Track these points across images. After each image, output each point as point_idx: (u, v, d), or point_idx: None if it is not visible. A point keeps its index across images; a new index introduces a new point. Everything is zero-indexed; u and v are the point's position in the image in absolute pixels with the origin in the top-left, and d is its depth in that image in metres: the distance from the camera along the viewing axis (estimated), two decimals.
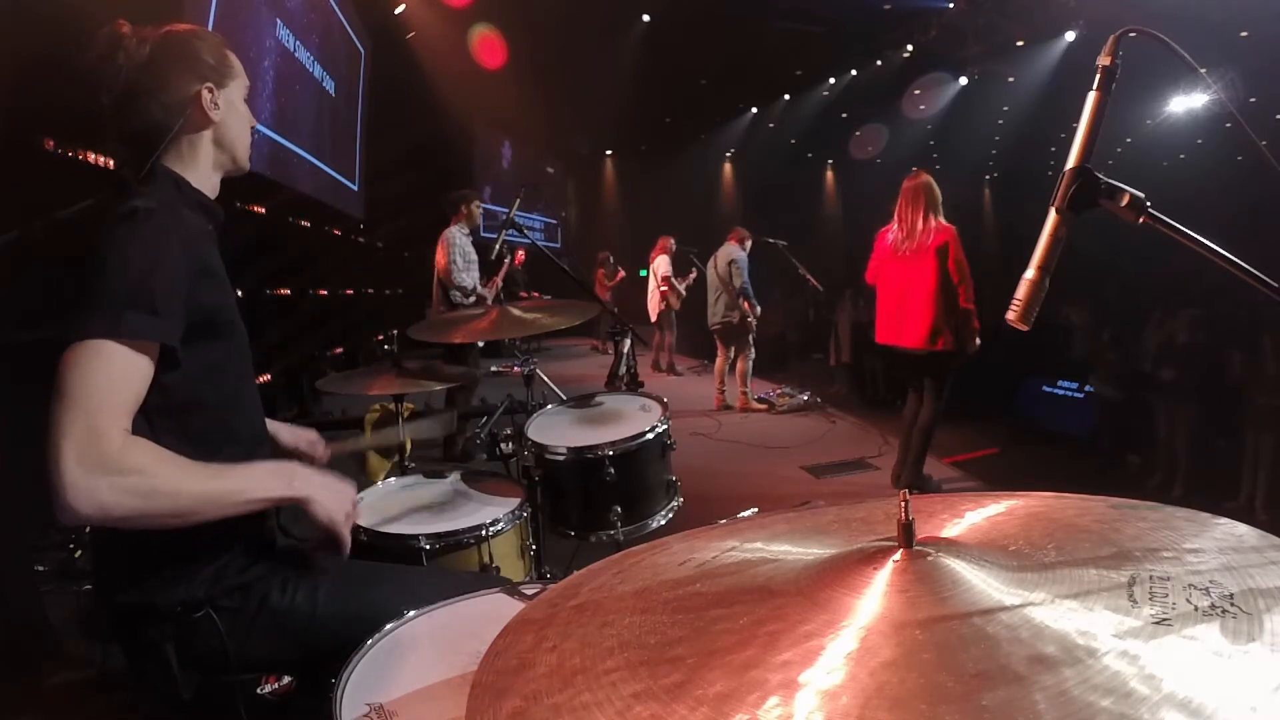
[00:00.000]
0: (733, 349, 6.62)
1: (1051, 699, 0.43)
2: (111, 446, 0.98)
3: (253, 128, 1.35)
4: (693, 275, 8.69)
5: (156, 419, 1.10)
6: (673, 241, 8.44)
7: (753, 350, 6.61)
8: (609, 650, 0.55)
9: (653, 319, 8.49)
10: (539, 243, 4.63)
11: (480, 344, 4.64)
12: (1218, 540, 0.60)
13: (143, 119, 1.20)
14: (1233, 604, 0.50)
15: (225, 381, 1.21)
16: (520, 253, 10.24)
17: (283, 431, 1.54)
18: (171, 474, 1.02)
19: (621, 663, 0.53)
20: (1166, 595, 0.52)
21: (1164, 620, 0.49)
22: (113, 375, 1.00)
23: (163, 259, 1.08)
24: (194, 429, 1.15)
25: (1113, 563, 0.57)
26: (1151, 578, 0.54)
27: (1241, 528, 0.61)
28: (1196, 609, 0.50)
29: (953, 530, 0.67)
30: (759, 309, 6.58)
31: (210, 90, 1.24)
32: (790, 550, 0.67)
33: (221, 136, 1.28)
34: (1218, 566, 0.55)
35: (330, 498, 1.17)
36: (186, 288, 1.09)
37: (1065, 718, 0.42)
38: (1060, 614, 0.51)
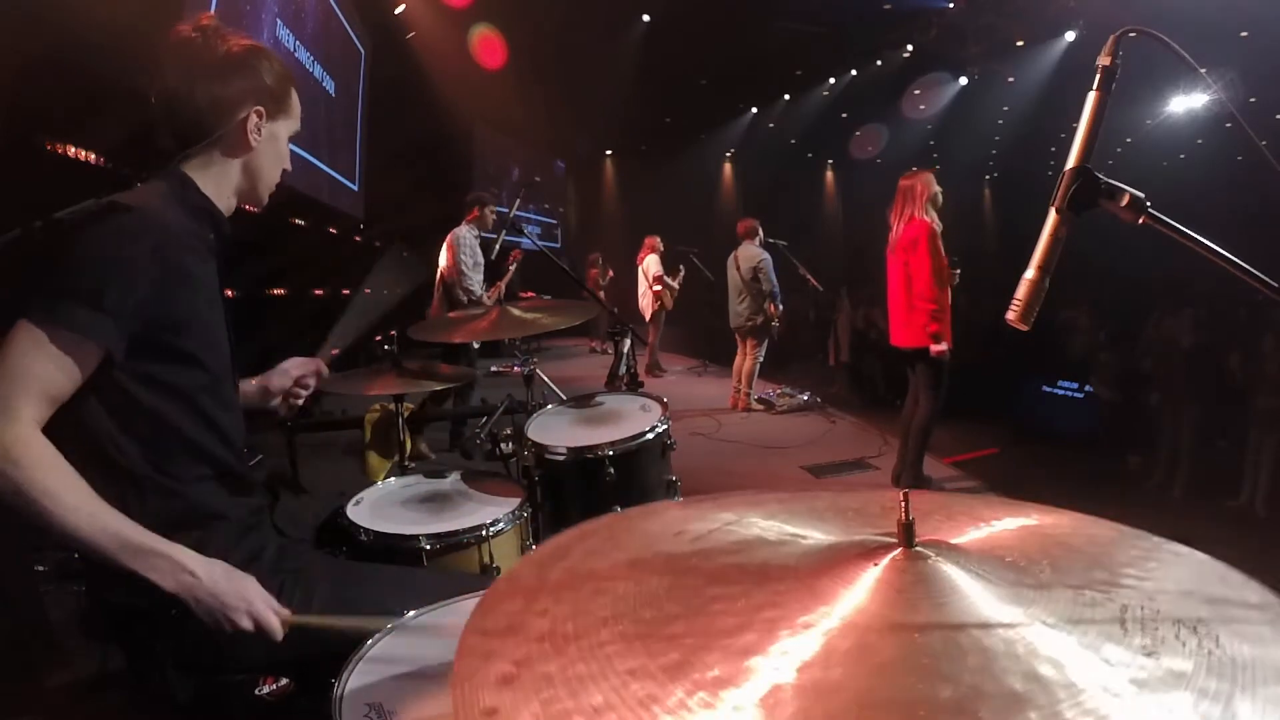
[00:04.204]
0: (747, 346, 6.62)
1: (1045, 719, 0.43)
2: (14, 428, 0.99)
3: (284, 170, 1.34)
4: (680, 273, 8.73)
5: (116, 419, 1.10)
6: (659, 241, 8.46)
7: (763, 352, 6.60)
8: (603, 620, 0.54)
9: (646, 318, 8.51)
10: (539, 243, 4.62)
11: (477, 344, 4.62)
12: (1204, 580, 0.60)
13: (191, 114, 1.20)
14: (1219, 646, 0.51)
15: (191, 396, 1.17)
16: (517, 252, 10.25)
17: (273, 377, 1.52)
18: (57, 485, 1.00)
19: (616, 635, 0.52)
20: (1157, 629, 0.52)
21: (1153, 654, 0.50)
22: (43, 363, 1.02)
23: (126, 259, 1.07)
24: (151, 438, 1.13)
25: (1105, 589, 0.58)
26: (1143, 609, 0.55)
27: (1224, 568, 0.62)
28: (1185, 646, 0.51)
29: (950, 534, 0.67)
30: (782, 309, 6.56)
31: (259, 115, 1.24)
32: (786, 532, 0.67)
33: (252, 165, 1.27)
34: (1205, 605, 0.56)
35: (208, 607, 1.06)
36: (148, 290, 1.08)
37: None
38: (1055, 636, 0.51)
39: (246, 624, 1.08)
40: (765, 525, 0.69)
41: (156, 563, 1.04)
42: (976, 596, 0.55)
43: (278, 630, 1.10)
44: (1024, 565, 0.60)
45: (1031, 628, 0.51)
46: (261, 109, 1.24)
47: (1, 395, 0.99)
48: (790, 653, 0.49)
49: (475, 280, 4.88)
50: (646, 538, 0.68)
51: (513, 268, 5.82)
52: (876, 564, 0.57)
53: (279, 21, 5.35)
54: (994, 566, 0.59)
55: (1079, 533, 0.68)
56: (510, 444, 2.21)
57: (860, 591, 0.55)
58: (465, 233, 4.90)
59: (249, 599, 1.09)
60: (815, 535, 0.66)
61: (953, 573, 0.57)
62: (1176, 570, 0.62)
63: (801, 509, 0.74)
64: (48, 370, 1.02)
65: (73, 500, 1.01)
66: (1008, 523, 0.70)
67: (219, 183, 1.26)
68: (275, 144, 1.30)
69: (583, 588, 0.59)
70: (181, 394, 1.16)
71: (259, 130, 1.25)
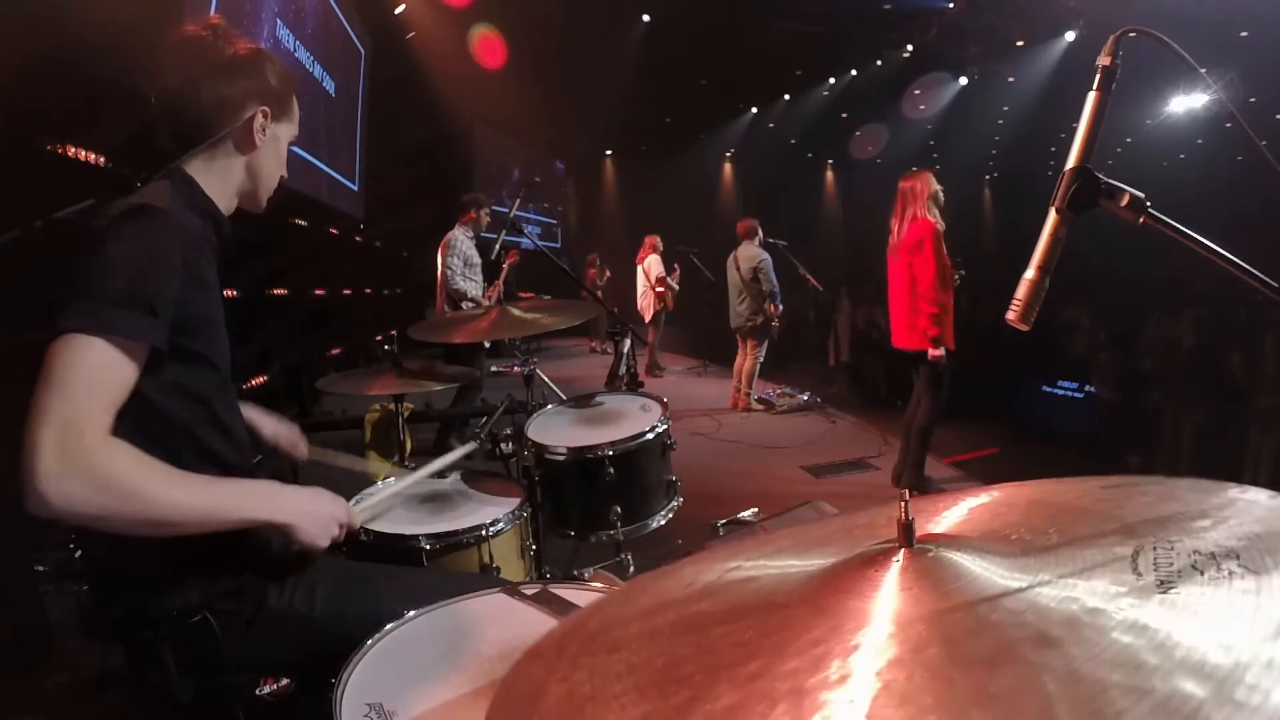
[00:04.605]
0: (747, 346, 6.62)
1: (1060, 679, 0.43)
2: (92, 440, 0.96)
3: (282, 175, 1.35)
4: (676, 272, 8.76)
5: (128, 423, 1.08)
6: (660, 240, 8.46)
7: (763, 352, 6.60)
8: (617, 675, 0.56)
9: (647, 319, 8.51)
10: (539, 243, 4.63)
11: (486, 344, 4.64)
12: (1221, 506, 0.59)
13: (195, 113, 1.20)
14: (1239, 563, 0.49)
15: (197, 395, 1.17)
16: (513, 253, 10.28)
17: (265, 425, 1.52)
18: (150, 479, 1.00)
19: (630, 686, 0.54)
20: (1171, 564, 0.51)
21: (1170, 588, 0.49)
22: (101, 371, 0.99)
23: (164, 259, 1.07)
24: (165, 441, 1.12)
25: (1115, 538, 0.57)
26: (1155, 548, 0.54)
27: (1251, 491, 0.60)
28: (1202, 574, 0.49)
29: (953, 526, 0.66)
30: (782, 309, 6.56)
31: (265, 115, 1.25)
32: (794, 563, 0.67)
33: (254, 166, 1.28)
34: (1222, 531, 0.55)
35: (313, 524, 1.15)
36: (179, 292, 1.08)
37: (1075, 696, 0.41)
38: (1064, 594, 0.50)
39: (341, 528, 1.20)
40: (773, 561, 0.69)
41: (271, 502, 1.12)
42: (982, 577, 0.54)
43: (358, 524, 1.29)
44: (1030, 537, 0.60)
45: (1038, 592, 0.51)
46: (267, 109, 1.25)
47: (72, 417, 0.95)
48: (799, 671, 0.49)
49: (468, 283, 4.88)
50: (659, 594, 0.69)
51: (506, 267, 5.83)
52: (879, 570, 0.57)
53: (279, 21, 5.34)
54: (998, 545, 0.59)
55: (1087, 493, 0.67)
56: (510, 444, 2.21)
57: (865, 600, 0.55)
58: (459, 235, 4.90)
59: (338, 505, 1.21)
60: (822, 559, 0.65)
61: (956, 560, 0.57)
62: (1190, 504, 0.61)
63: (810, 538, 0.74)
64: (113, 380, 1.01)
65: (174, 493, 1.01)
66: (1013, 501, 0.70)
67: (223, 181, 1.26)
68: (277, 146, 1.31)
69: (598, 651, 0.61)
70: (194, 396, 1.17)
71: (263, 130, 1.25)
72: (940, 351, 3.87)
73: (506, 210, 6.25)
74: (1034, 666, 0.44)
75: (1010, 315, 0.89)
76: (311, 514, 1.15)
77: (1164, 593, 0.48)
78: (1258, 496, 0.59)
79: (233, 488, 1.11)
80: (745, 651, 0.53)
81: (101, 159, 3.29)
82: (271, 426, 1.54)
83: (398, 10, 8.13)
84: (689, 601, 0.65)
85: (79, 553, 2.53)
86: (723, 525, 2.42)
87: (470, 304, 4.83)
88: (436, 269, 4.98)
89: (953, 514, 0.69)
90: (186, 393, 1.15)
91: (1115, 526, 0.59)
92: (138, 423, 1.09)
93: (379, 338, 2.44)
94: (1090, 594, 0.50)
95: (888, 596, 0.54)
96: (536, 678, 0.59)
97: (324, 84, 6.69)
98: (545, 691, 0.57)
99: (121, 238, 1.06)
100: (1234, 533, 0.54)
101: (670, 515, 2.09)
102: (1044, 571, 0.53)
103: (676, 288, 8.68)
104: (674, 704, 0.50)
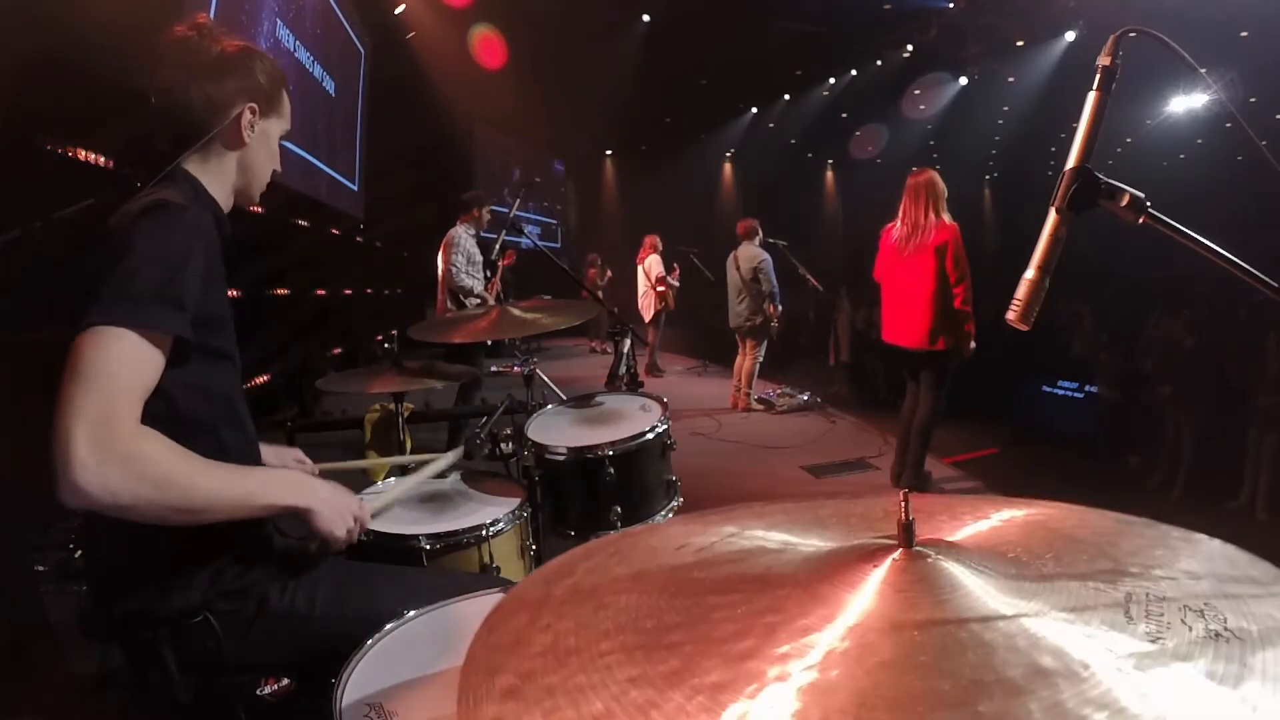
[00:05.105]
0: (747, 346, 6.62)
1: (1046, 710, 0.43)
2: (126, 430, 0.97)
3: (274, 170, 1.36)
4: (675, 271, 8.76)
5: (158, 427, 1.08)
6: (659, 240, 8.46)
7: (762, 352, 6.60)
8: (605, 632, 0.55)
9: (647, 319, 8.51)
10: (539, 243, 4.64)
11: (488, 343, 4.67)
12: (1211, 562, 0.60)
13: (186, 112, 1.21)
14: (1226, 628, 0.50)
15: (217, 393, 1.19)
16: (510, 253, 10.27)
17: (270, 455, 1.51)
18: (184, 466, 1.01)
19: (617, 645, 0.53)
20: (1162, 615, 0.52)
21: (1159, 640, 0.50)
22: (131, 363, 1.00)
23: (190, 256, 1.08)
24: (191, 442, 1.11)
25: (1110, 578, 0.58)
26: (1148, 596, 0.55)
27: (1233, 550, 0.62)
28: (1191, 630, 0.50)
29: (952, 533, 0.67)
30: (781, 309, 6.56)
31: (253, 111, 1.25)
32: (789, 541, 0.67)
33: (246, 162, 1.29)
34: (1211, 589, 0.56)
35: (333, 512, 1.17)
36: (201, 288, 1.09)
37: None
38: (1057, 627, 0.51)
39: (356, 521, 1.20)
40: (768, 535, 0.69)
41: (295, 489, 1.14)
42: (977, 592, 0.54)
43: (369, 520, 1.26)
44: (1027, 560, 0.60)
45: (1032, 620, 0.51)
46: (255, 106, 1.25)
47: (106, 408, 0.95)
48: (789, 656, 0.49)
49: (472, 280, 4.91)
50: (650, 552, 0.69)
51: (501, 265, 5.84)
52: (877, 566, 0.57)
53: (279, 21, 5.34)
54: (996, 562, 0.59)
55: (1085, 525, 0.68)
56: (510, 444, 2.20)
57: (860, 593, 0.55)
58: (461, 233, 4.93)
59: (353, 499, 1.22)
60: (818, 542, 0.65)
61: (953, 570, 0.57)
62: (1183, 555, 0.62)
63: (805, 517, 0.74)
64: (142, 372, 1.01)
65: (208, 480, 1.02)
66: (1012, 519, 0.70)
67: (220, 178, 1.27)
68: (267, 141, 1.31)
69: (585, 603, 0.60)
70: (216, 393, 1.18)
71: (252, 127, 1.26)
72: (972, 346, 3.91)
73: (506, 210, 6.26)
74: (1022, 693, 0.45)
75: (1010, 315, 0.89)
76: (331, 502, 1.17)
77: (1152, 643, 0.49)
78: (1239, 558, 0.61)
79: (259, 474, 1.14)
80: (737, 628, 0.53)
81: (102, 159, 3.29)
82: (276, 457, 1.54)
83: (398, 10, 8.13)
84: (681, 567, 0.65)
85: (79, 553, 2.53)
86: (720, 511, 2.42)
87: (475, 300, 4.85)
88: (438, 268, 4.99)
89: (950, 519, 0.69)
90: (210, 391, 1.17)
91: (1109, 566, 0.60)
92: (167, 425, 1.09)
93: (379, 337, 2.44)
94: (1083, 631, 0.51)
95: (884, 596, 0.54)
96: (520, 623, 0.58)
97: (324, 84, 6.69)
98: (528, 639, 0.56)
99: (149, 235, 1.06)
100: (1222, 594, 0.55)
101: (670, 515, 2.09)
102: (1039, 599, 0.54)
103: (677, 286, 8.69)
104: (661, 672, 0.50)
